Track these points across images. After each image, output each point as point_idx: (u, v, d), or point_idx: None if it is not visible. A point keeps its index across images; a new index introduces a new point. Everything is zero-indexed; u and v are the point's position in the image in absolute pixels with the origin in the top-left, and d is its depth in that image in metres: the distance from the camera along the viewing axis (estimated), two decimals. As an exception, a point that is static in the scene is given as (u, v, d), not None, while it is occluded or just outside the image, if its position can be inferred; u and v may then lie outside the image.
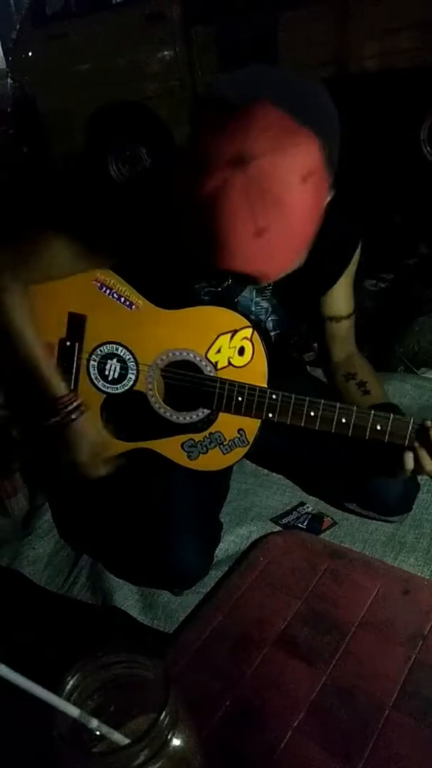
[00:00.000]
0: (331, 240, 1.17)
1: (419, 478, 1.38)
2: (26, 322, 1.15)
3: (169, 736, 0.43)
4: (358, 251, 1.23)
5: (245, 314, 1.16)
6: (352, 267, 1.24)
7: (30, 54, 4.99)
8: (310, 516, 1.45)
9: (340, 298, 1.27)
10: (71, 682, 0.44)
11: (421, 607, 0.73)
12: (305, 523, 1.43)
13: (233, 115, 0.82)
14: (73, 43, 4.65)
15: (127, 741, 0.43)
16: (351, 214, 1.20)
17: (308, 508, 1.47)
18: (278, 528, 1.42)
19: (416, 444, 1.09)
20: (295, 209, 0.84)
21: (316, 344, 1.85)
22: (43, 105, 4.97)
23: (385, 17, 3.63)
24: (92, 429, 1.19)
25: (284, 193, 0.82)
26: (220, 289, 1.18)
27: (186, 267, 1.14)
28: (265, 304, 1.21)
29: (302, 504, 1.49)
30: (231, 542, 1.38)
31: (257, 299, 1.21)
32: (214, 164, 0.81)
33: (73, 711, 0.43)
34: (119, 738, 0.44)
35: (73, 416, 1.15)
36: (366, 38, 3.81)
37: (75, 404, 1.16)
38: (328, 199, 0.91)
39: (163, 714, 0.42)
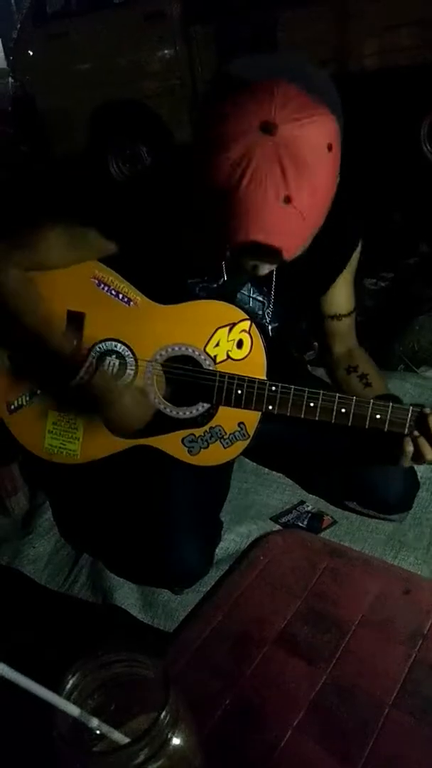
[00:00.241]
0: (331, 237, 1.17)
1: (419, 476, 1.38)
2: (29, 294, 1.16)
3: (169, 735, 0.43)
4: (358, 249, 1.23)
5: (242, 308, 1.16)
6: (353, 265, 1.24)
7: (31, 53, 4.98)
8: (310, 515, 1.45)
9: (340, 297, 1.27)
10: (71, 681, 0.44)
11: (421, 606, 0.73)
12: (305, 522, 1.43)
13: (253, 89, 0.82)
14: (73, 42, 4.65)
15: (127, 740, 0.43)
16: (351, 212, 1.20)
17: (308, 506, 1.47)
18: (278, 527, 1.42)
19: (416, 432, 1.09)
20: (320, 177, 0.85)
21: (316, 343, 1.85)
22: (44, 104, 4.96)
23: (384, 15, 3.63)
24: (120, 377, 1.17)
25: (311, 161, 0.83)
26: (215, 285, 1.18)
27: (183, 264, 1.14)
28: (262, 299, 1.21)
29: (302, 503, 1.49)
30: (231, 541, 1.38)
31: (254, 295, 1.21)
32: (240, 132, 0.81)
33: (74, 710, 0.43)
34: (119, 737, 0.44)
35: (93, 371, 1.13)
36: (366, 36, 3.80)
37: (92, 355, 1.14)
38: (337, 181, 0.92)
39: (164, 713, 0.42)
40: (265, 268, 1.00)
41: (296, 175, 0.82)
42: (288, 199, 0.83)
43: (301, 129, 0.82)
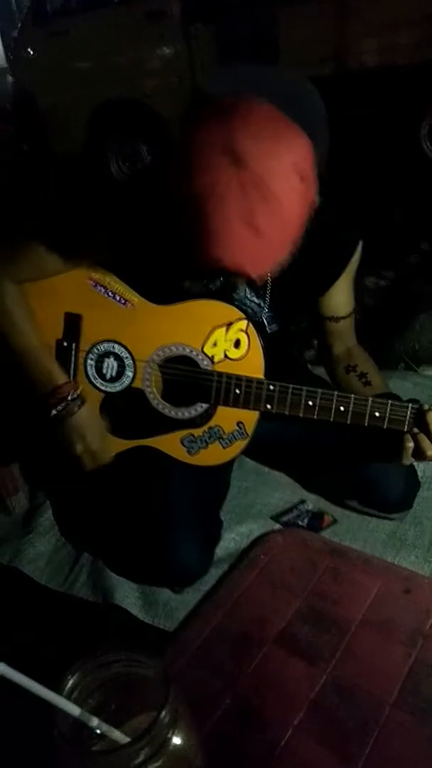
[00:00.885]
0: (329, 242, 1.18)
1: (420, 475, 1.38)
2: (23, 316, 1.17)
3: (169, 735, 0.43)
4: (357, 254, 1.23)
5: (239, 308, 1.16)
6: (351, 269, 1.24)
7: (31, 51, 4.97)
8: (310, 514, 1.44)
9: (339, 300, 1.27)
10: (71, 681, 0.45)
11: (422, 606, 0.73)
12: (306, 521, 1.43)
13: (225, 111, 0.82)
14: (73, 40, 4.64)
15: (127, 739, 0.43)
16: (350, 217, 1.20)
17: (309, 505, 1.47)
18: (279, 526, 1.41)
19: (415, 429, 1.09)
20: (290, 209, 0.85)
21: (316, 342, 1.85)
22: (44, 102, 4.96)
23: (384, 13, 3.62)
24: (95, 419, 1.19)
25: (281, 194, 0.83)
26: (212, 288, 1.18)
27: (179, 265, 1.14)
28: (259, 301, 1.21)
29: (303, 502, 1.49)
30: (231, 540, 1.38)
31: (251, 297, 1.21)
32: (207, 159, 0.81)
33: (74, 710, 0.43)
34: (119, 736, 0.44)
35: (75, 407, 1.16)
36: (366, 35, 3.80)
37: (76, 394, 1.16)
38: (316, 203, 0.92)
39: (163, 712, 0.42)
40: (239, 281, 1.00)
41: (265, 209, 0.82)
42: (256, 230, 0.83)
43: (270, 161, 0.81)
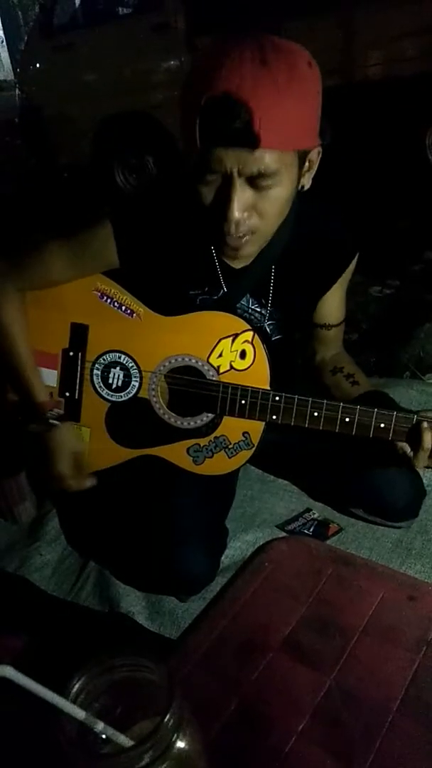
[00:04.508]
0: (329, 247, 1.19)
1: (426, 484, 1.38)
2: (22, 327, 1.20)
3: (173, 739, 0.43)
4: (354, 262, 1.25)
5: (243, 319, 1.17)
6: (347, 276, 1.27)
7: (37, 65, 5.04)
8: (316, 522, 1.45)
9: (332, 308, 1.30)
10: (77, 685, 0.45)
11: (426, 613, 0.73)
12: (311, 530, 1.43)
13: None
14: (80, 53, 4.70)
15: (132, 743, 0.43)
16: (350, 222, 1.22)
17: (314, 514, 1.47)
18: (284, 534, 1.42)
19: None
20: (298, 67, 0.91)
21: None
22: (50, 115, 5.01)
23: (389, 25, 3.64)
24: (72, 439, 1.21)
25: (289, 50, 0.92)
26: (215, 297, 1.19)
27: (184, 276, 1.15)
28: (262, 311, 1.22)
29: (308, 510, 1.49)
30: (237, 548, 1.38)
31: (253, 306, 1.22)
32: (232, 45, 0.92)
33: (79, 713, 0.44)
34: (124, 740, 0.44)
35: (51, 423, 1.18)
36: (371, 46, 3.83)
37: (53, 412, 1.19)
38: (318, 128, 0.98)
39: (168, 716, 0.43)
40: (236, 170, 0.96)
41: (274, 49, 0.90)
42: (264, 62, 0.88)
43: (287, 43, 0.93)
